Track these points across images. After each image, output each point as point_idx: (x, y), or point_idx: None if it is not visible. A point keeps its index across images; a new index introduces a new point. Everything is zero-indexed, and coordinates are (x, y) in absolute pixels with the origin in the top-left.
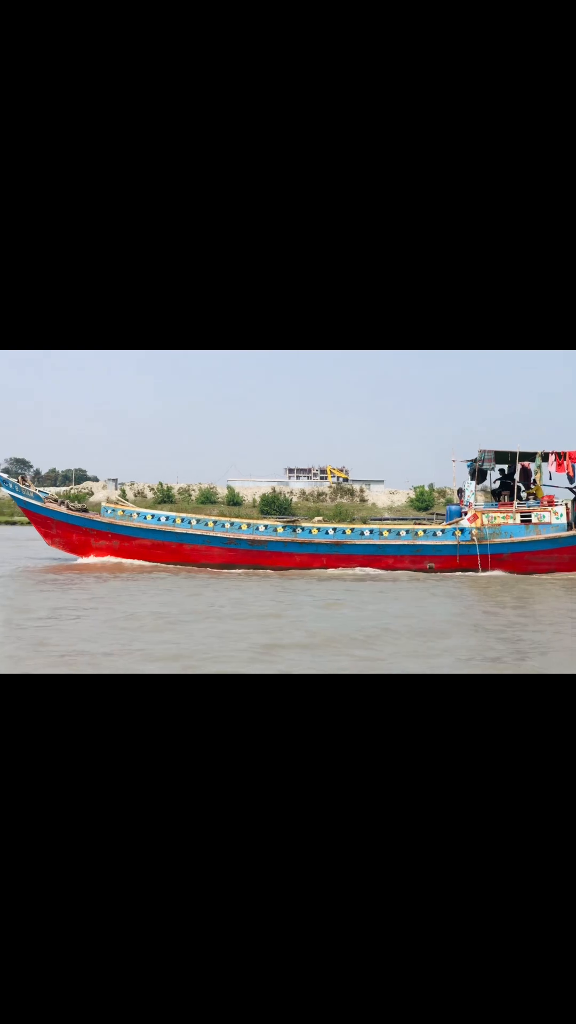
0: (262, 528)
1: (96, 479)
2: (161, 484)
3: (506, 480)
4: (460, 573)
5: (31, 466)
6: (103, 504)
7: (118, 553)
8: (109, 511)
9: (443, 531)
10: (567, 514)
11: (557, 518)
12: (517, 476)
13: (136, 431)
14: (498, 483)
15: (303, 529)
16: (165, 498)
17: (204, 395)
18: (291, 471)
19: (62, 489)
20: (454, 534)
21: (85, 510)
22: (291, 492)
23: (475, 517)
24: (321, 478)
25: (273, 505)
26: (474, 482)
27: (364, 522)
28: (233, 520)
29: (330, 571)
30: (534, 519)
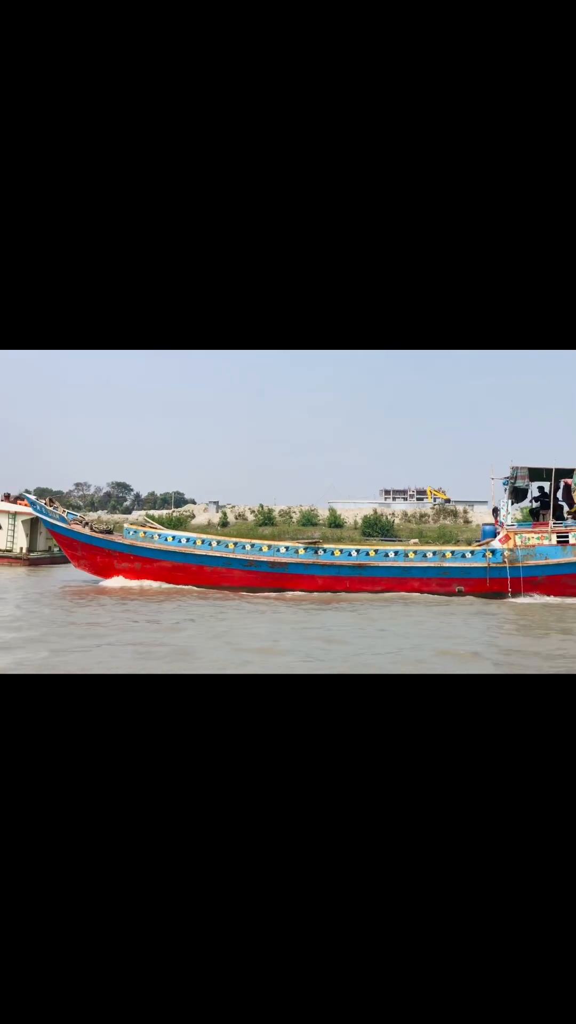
0: (283, 550)
1: (194, 502)
2: (262, 507)
3: (545, 498)
4: (491, 598)
5: (132, 489)
6: (125, 525)
7: (140, 575)
8: (131, 532)
9: (472, 553)
10: None
11: None
12: (560, 494)
13: (233, 453)
14: (537, 502)
15: (325, 551)
16: (266, 520)
17: (301, 418)
18: (387, 492)
19: (164, 512)
20: (484, 556)
21: (110, 531)
22: (392, 513)
23: (507, 538)
24: (418, 499)
25: (375, 527)
26: (509, 501)
27: (468, 544)
28: (254, 542)
29: (353, 594)
30: (572, 540)
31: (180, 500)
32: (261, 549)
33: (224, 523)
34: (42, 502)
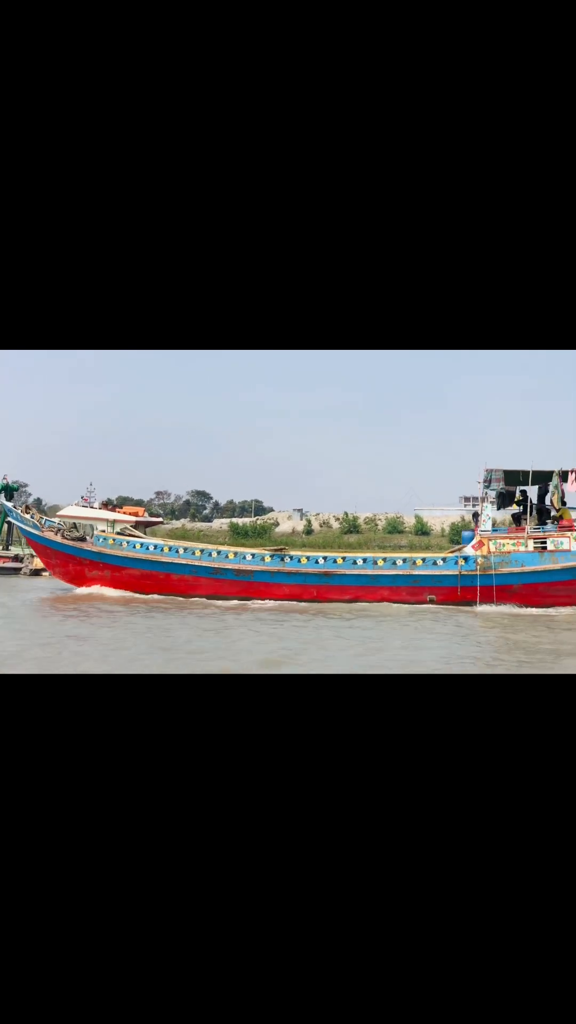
0: (249, 557)
1: (272, 509)
2: (347, 514)
3: (526, 502)
4: (463, 607)
5: (211, 498)
6: (96, 532)
7: (111, 584)
8: (101, 540)
9: (444, 560)
10: None
11: None
12: (549, 498)
13: (311, 461)
14: (519, 506)
15: (292, 558)
16: (351, 528)
17: (381, 423)
18: (466, 499)
19: (247, 520)
20: (456, 563)
21: (83, 539)
22: None
23: (480, 544)
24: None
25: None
26: (491, 505)
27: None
28: (220, 548)
29: (320, 604)
30: (550, 546)
31: (259, 508)
32: (227, 556)
33: (308, 531)
34: (18, 510)
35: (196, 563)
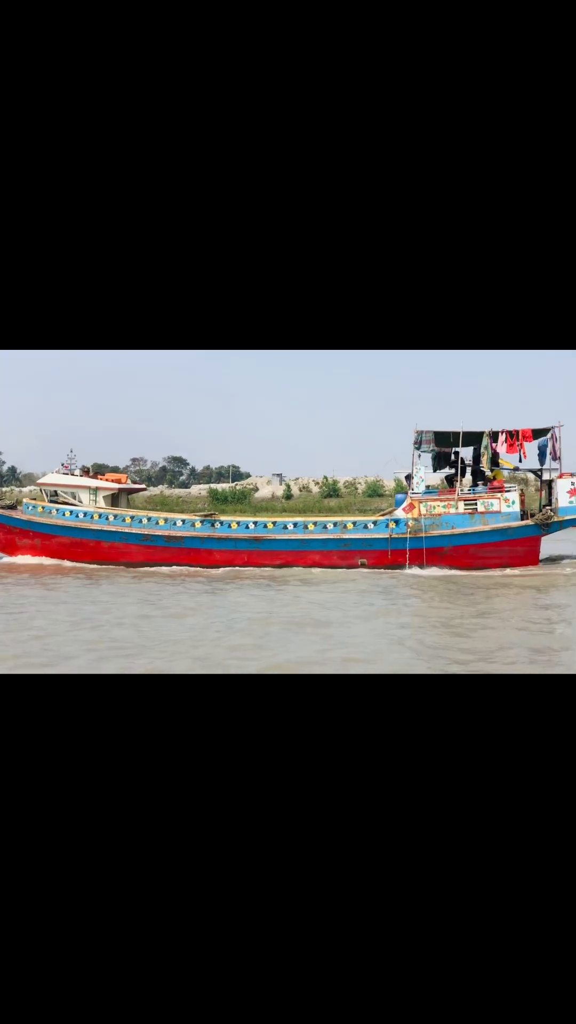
0: (179, 523)
1: (249, 474)
2: (326, 478)
3: (460, 463)
4: (394, 570)
5: (187, 464)
6: (25, 500)
7: (41, 552)
8: (30, 508)
9: (375, 523)
10: (520, 502)
11: (508, 506)
12: (483, 460)
13: (289, 426)
14: (452, 467)
15: (222, 524)
16: (331, 492)
17: (355, 387)
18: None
19: (227, 486)
20: (387, 526)
21: (13, 507)
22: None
23: (411, 506)
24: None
25: None
26: (423, 467)
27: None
28: (151, 515)
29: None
30: (480, 507)
31: (237, 474)
32: (157, 523)
33: (288, 495)
34: None
35: (127, 530)
